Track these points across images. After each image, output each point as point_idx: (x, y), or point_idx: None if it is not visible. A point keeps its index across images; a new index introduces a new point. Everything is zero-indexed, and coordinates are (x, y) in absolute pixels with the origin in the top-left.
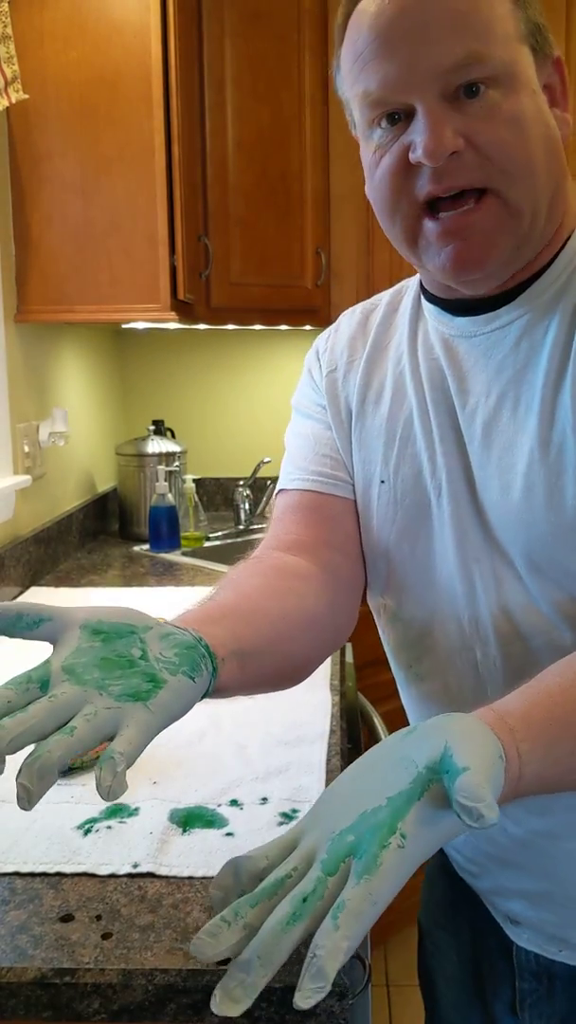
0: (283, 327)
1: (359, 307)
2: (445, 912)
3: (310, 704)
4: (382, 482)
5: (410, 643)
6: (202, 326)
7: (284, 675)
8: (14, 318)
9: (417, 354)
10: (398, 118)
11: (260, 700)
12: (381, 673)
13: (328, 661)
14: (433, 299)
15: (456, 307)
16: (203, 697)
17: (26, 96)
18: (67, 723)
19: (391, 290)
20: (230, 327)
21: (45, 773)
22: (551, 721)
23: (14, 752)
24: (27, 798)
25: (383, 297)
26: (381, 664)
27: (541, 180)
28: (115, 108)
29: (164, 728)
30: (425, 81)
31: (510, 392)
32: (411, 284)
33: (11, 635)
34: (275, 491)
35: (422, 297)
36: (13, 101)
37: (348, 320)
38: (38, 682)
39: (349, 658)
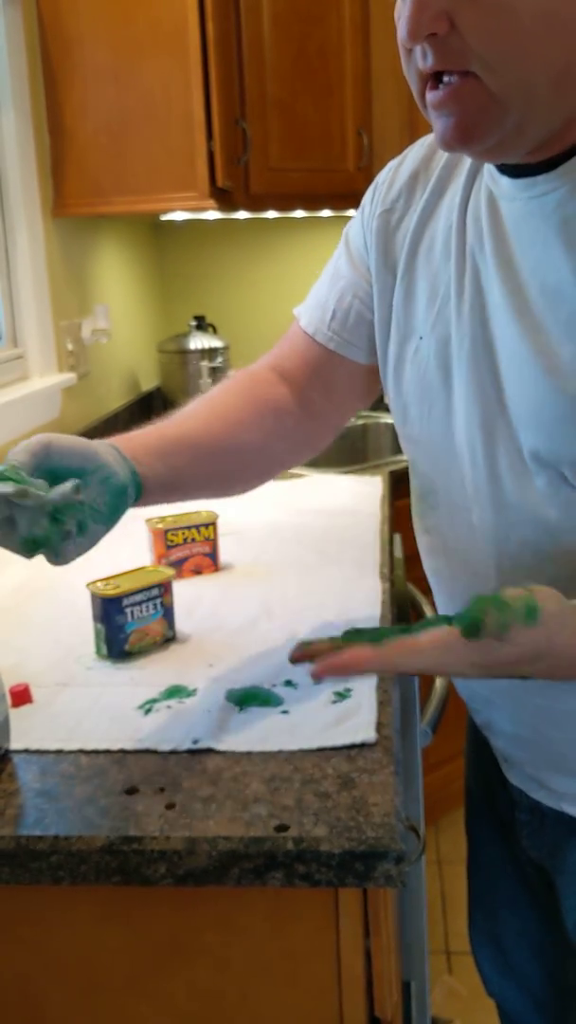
0: (325, 213)
1: (429, 138)
2: (470, 745)
3: (360, 591)
4: (420, 338)
5: (420, 496)
6: (242, 215)
7: (211, 495)
8: (52, 212)
9: (467, 208)
10: None
11: (310, 589)
12: None
13: (376, 550)
14: None
15: (506, 166)
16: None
17: None
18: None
19: None
20: (270, 215)
21: None
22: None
23: None
24: None
25: None
26: None
27: (533, 66)
28: None
29: None
30: None
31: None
32: None
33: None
34: (296, 310)
35: None
36: None
37: (416, 152)
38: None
39: (398, 553)
